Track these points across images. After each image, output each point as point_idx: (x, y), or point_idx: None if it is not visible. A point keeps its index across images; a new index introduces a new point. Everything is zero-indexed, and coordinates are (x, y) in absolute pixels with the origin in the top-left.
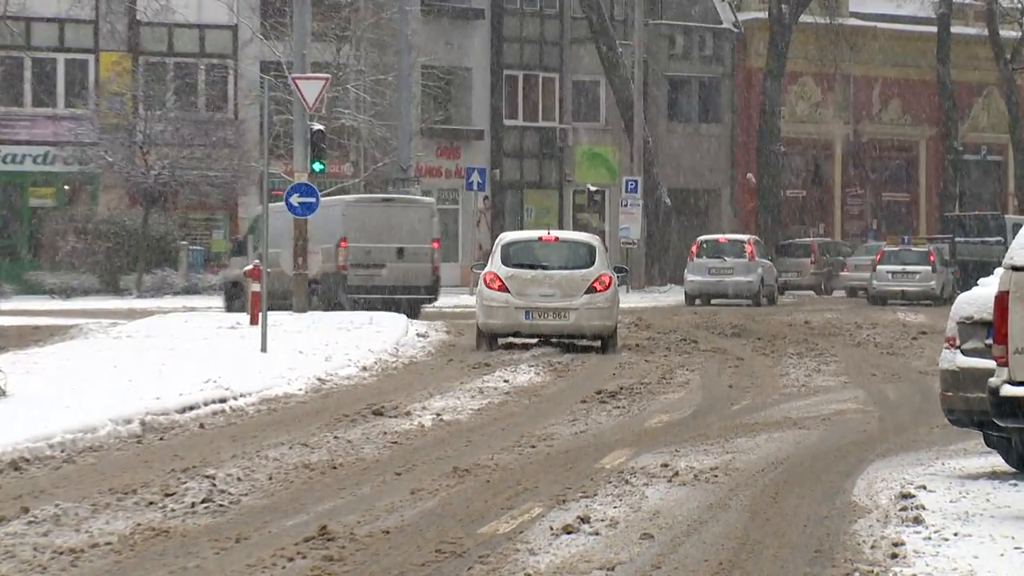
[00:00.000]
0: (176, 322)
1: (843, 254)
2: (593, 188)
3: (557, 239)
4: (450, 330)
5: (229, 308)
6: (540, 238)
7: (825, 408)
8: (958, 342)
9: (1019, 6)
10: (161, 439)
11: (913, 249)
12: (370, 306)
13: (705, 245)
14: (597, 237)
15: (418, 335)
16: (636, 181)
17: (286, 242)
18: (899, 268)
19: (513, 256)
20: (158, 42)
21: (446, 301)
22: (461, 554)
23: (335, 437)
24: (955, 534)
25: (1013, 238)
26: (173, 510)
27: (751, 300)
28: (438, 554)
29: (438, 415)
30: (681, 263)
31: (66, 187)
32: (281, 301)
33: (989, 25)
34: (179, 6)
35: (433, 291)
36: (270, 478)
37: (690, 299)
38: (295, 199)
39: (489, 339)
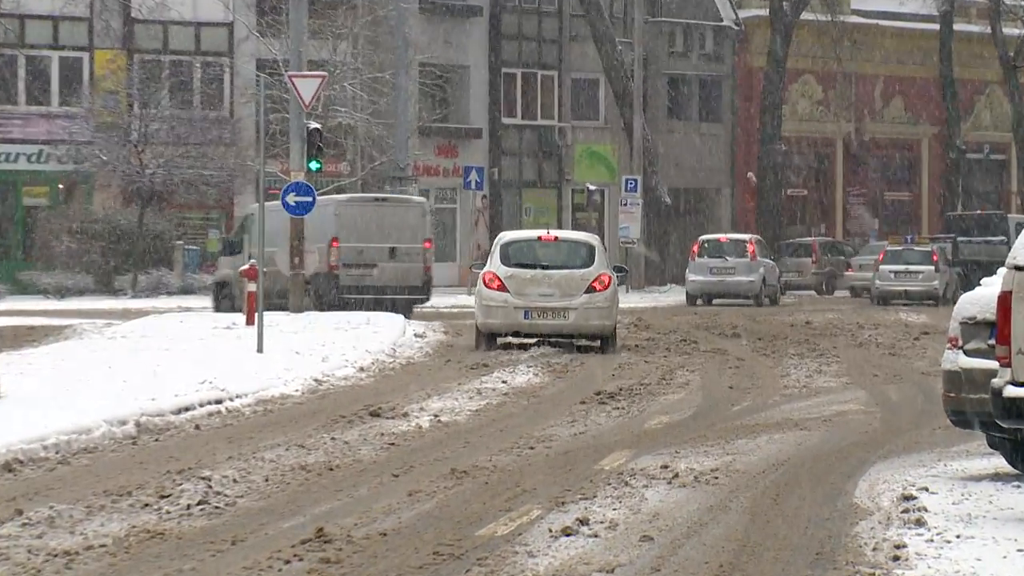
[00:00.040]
0: (171, 322)
1: (845, 254)
2: (592, 187)
3: (556, 239)
4: (448, 330)
5: (217, 308)
6: (539, 237)
7: (826, 409)
8: (961, 342)
9: (1022, 3)
10: (156, 440)
11: (916, 249)
12: (362, 306)
13: (707, 245)
14: (596, 237)
15: (415, 335)
16: (635, 180)
17: (282, 241)
18: (902, 268)
19: (512, 256)
20: (153, 40)
21: (443, 301)
22: (459, 556)
23: (332, 438)
24: (957, 536)
25: (1016, 238)
26: (168, 512)
27: (753, 300)
28: (436, 556)
29: (436, 416)
30: (681, 263)
31: (60, 186)
32: (275, 301)
33: (992, 23)
34: (174, 3)
35: (425, 291)
36: (266, 480)
37: (691, 299)
38: (291, 198)
39: (488, 339)
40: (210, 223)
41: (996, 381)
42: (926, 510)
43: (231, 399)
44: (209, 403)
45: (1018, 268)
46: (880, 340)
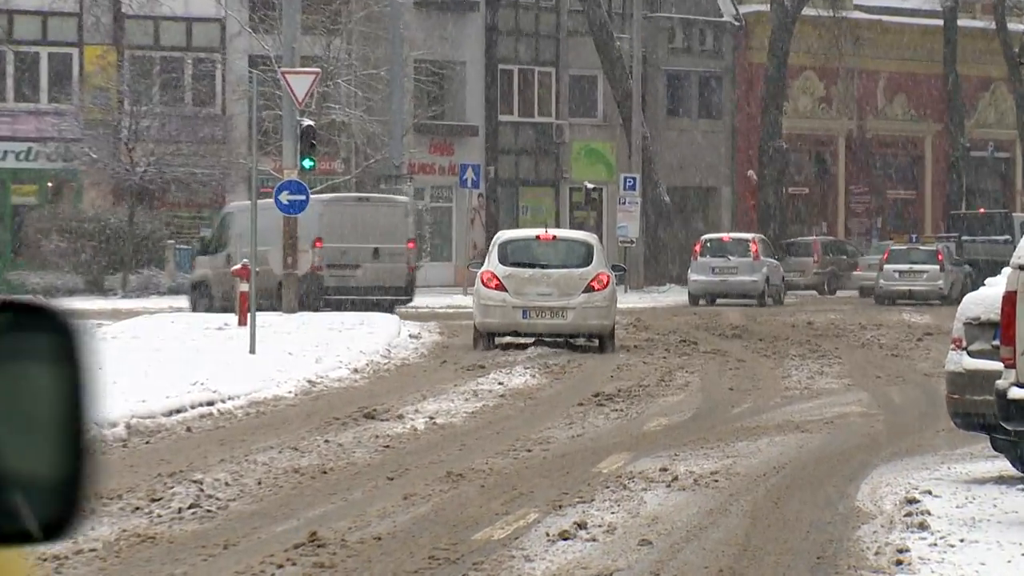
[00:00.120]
0: (163, 323)
1: (847, 253)
2: (590, 186)
3: (555, 238)
4: (443, 331)
5: (194, 308)
6: (538, 237)
7: (828, 411)
8: (964, 343)
9: None
10: (147, 443)
11: (921, 248)
12: (345, 307)
13: (709, 244)
14: (595, 236)
15: (410, 336)
16: (634, 178)
17: (272, 240)
18: (906, 267)
19: (510, 255)
20: (144, 35)
21: (439, 301)
22: (455, 561)
23: (326, 441)
24: (961, 540)
25: (1021, 236)
26: (159, 516)
27: (756, 300)
28: (431, 561)
29: (431, 418)
30: (681, 262)
31: (49, 184)
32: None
33: (997, 18)
34: None
35: (408, 292)
36: (259, 483)
37: (694, 299)
38: (284, 197)
39: (486, 338)
40: (201, 222)
41: (1000, 383)
42: (929, 514)
43: (223, 401)
44: (201, 405)
45: (1023, 268)
46: (883, 341)
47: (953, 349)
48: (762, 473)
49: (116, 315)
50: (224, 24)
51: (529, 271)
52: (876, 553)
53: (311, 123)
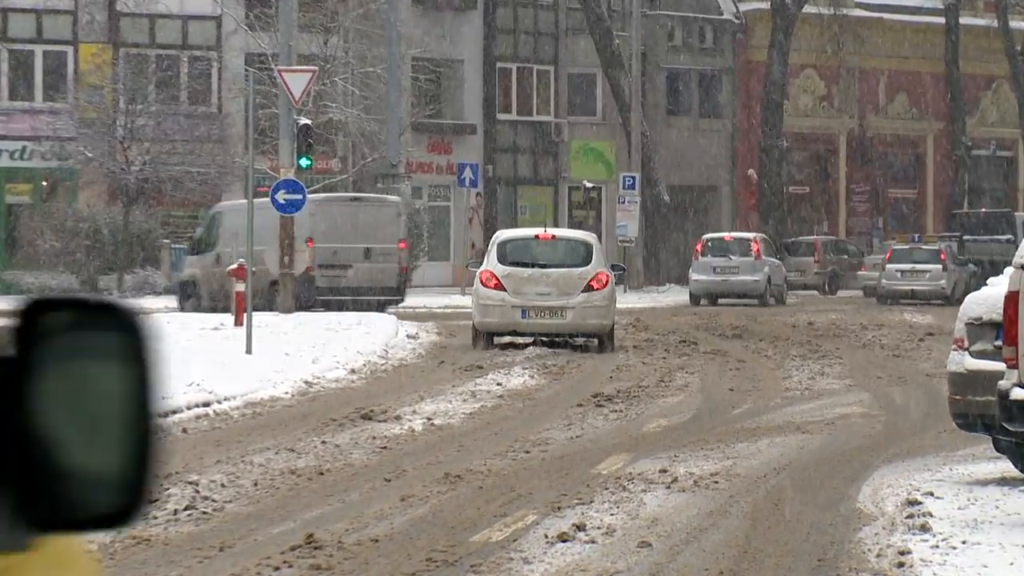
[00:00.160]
0: (158, 323)
1: (848, 253)
2: (589, 185)
3: (554, 237)
4: (441, 331)
5: (182, 308)
6: (537, 236)
7: (829, 412)
8: (966, 344)
9: None
10: None
11: (924, 247)
12: (336, 308)
13: (710, 243)
14: (594, 235)
15: (408, 336)
16: (634, 177)
17: (267, 240)
18: (908, 267)
19: (509, 254)
20: (139, 33)
21: (437, 301)
22: (453, 563)
23: (322, 442)
24: (963, 542)
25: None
26: (155, 517)
27: (758, 300)
28: (429, 563)
29: (429, 419)
30: (681, 262)
31: (44, 183)
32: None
33: (999, 16)
34: None
35: (400, 292)
36: (255, 484)
37: (695, 299)
38: (281, 196)
39: (485, 338)
40: (197, 221)
41: (1003, 383)
42: (931, 515)
43: (219, 401)
44: (197, 406)
45: None
46: (884, 341)
47: (955, 349)
48: (762, 474)
49: None
50: (220, 22)
51: (528, 271)
52: (877, 555)
53: (308, 122)
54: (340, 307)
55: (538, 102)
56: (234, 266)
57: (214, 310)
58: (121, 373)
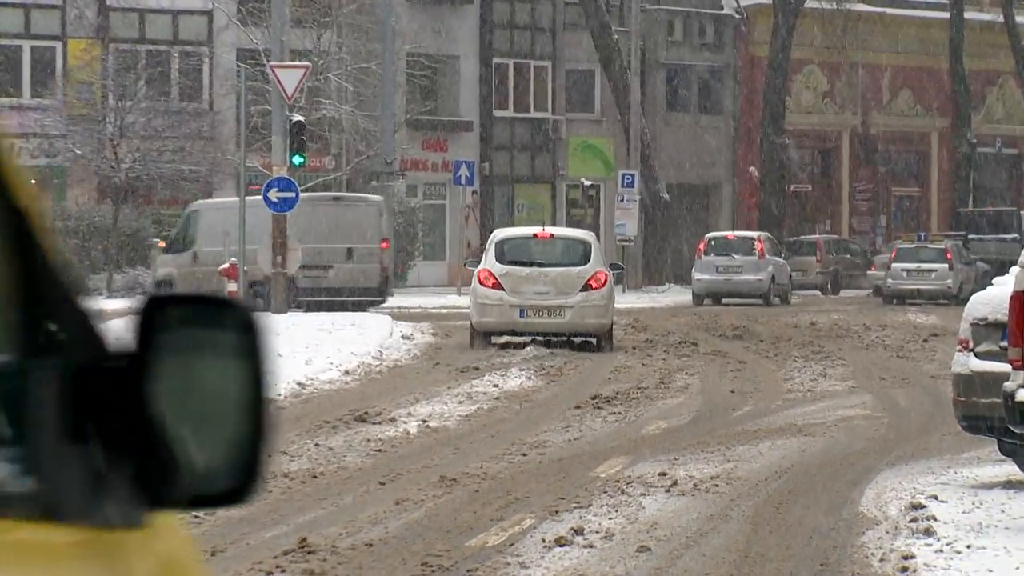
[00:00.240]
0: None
1: (851, 252)
2: (587, 182)
3: (552, 236)
4: (437, 332)
5: None
6: (535, 235)
7: (831, 414)
8: (971, 344)
9: None
10: None
11: (930, 246)
12: (317, 308)
13: (713, 242)
14: (592, 234)
15: (403, 337)
16: (633, 175)
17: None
18: (914, 266)
19: (507, 253)
20: (129, 28)
21: (432, 301)
22: (448, 568)
23: (316, 444)
24: (968, 546)
25: None
26: None
27: (762, 300)
28: (424, 568)
29: (424, 421)
30: (680, 261)
31: (32, 181)
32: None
33: (1004, 11)
34: None
35: (382, 293)
36: None
37: (698, 298)
38: (274, 194)
39: (483, 338)
40: None
41: (1008, 385)
42: (935, 519)
43: None
44: None
45: None
46: (888, 342)
47: (960, 350)
48: (764, 478)
49: (101, 316)
50: (211, 17)
51: (526, 270)
52: (881, 560)
53: (301, 118)
54: (320, 308)
55: (535, 98)
56: (225, 265)
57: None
58: (236, 364)
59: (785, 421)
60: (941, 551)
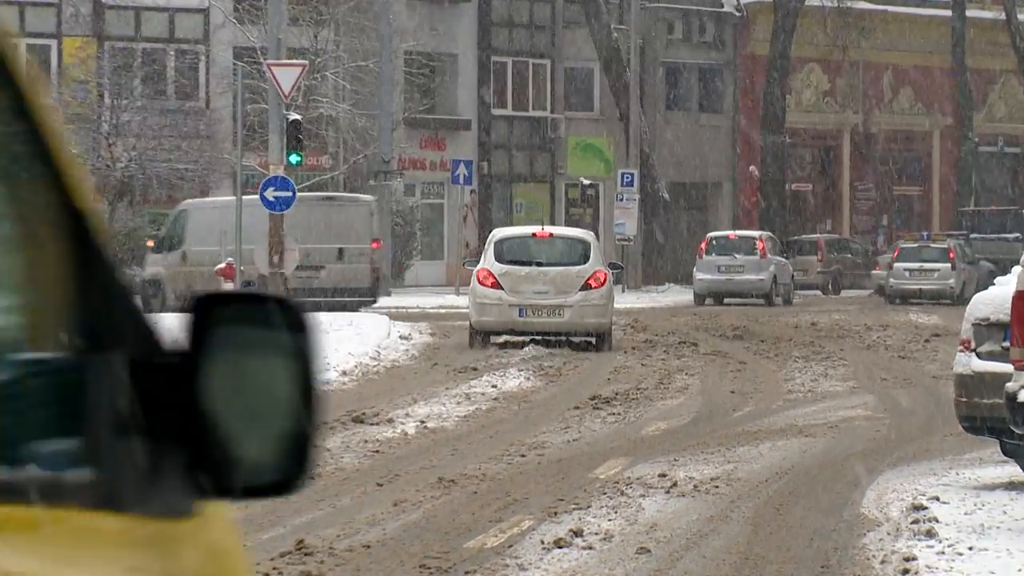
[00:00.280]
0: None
1: (852, 252)
2: (586, 182)
3: (551, 235)
4: (435, 332)
5: (146, 308)
6: (534, 234)
7: (832, 415)
8: (973, 345)
9: None
10: None
11: (932, 246)
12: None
13: (715, 242)
14: (591, 233)
15: (401, 337)
16: (632, 174)
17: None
18: (917, 266)
19: (507, 252)
20: (125, 26)
21: (430, 301)
22: (446, 570)
23: None
24: (970, 548)
25: None
26: None
27: (763, 299)
28: (422, 570)
29: (422, 422)
30: (680, 261)
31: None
32: None
33: (1007, 9)
34: None
35: (373, 293)
36: None
37: (699, 298)
38: (270, 193)
39: (482, 337)
40: None
41: (1010, 385)
42: (937, 521)
43: None
44: None
45: None
46: (889, 342)
47: (961, 351)
48: (764, 479)
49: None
50: (208, 15)
51: (525, 269)
52: (882, 562)
53: (298, 117)
54: (312, 309)
55: (534, 97)
56: (222, 265)
57: (181, 311)
58: (287, 361)
59: (786, 422)
60: (943, 553)
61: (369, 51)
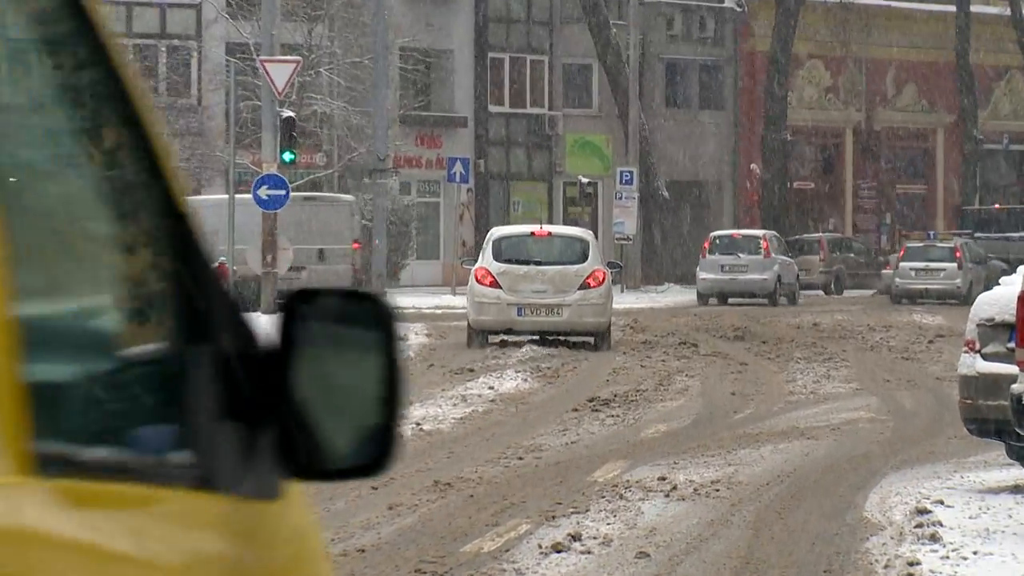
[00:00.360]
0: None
1: (854, 251)
2: (585, 180)
3: (550, 234)
4: (431, 332)
5: None
6: (533, 233)
7: (835, 417)
8: (978, 346)
9: None
10: None
11: (939, 245)
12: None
13: (718, 241)
14: (590, 232)
15: None
16: (631, 172)
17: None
18: (923, 265)
19: (505, 251)
20: (115, 22)
21: (426, 301)
22: (442, 574)
23: None
24: (974, 552)
25: None
26: None
27: (767, 299)
28: (417, 574)
29: (418, 424)
30: (679, 261)
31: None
32: None
33: (1012, 4)
34: None
35: None
36: None
37: (703, 298)
38: (263, 191)
39: (481, 336)
40: None
41: (1016, 387)
42: (941, 525)
43: None
44: None
45: None
46: (892, 343)
47: (966, 352)
48: (765, 482)
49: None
50: (200, 10)
51: (524, 268)
52: (885, 566)
53: (292, 114)
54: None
55: (532, 94)
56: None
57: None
58: (373, 354)
59: (787, 424)
60: (947, 557)
61: (364, 47)
